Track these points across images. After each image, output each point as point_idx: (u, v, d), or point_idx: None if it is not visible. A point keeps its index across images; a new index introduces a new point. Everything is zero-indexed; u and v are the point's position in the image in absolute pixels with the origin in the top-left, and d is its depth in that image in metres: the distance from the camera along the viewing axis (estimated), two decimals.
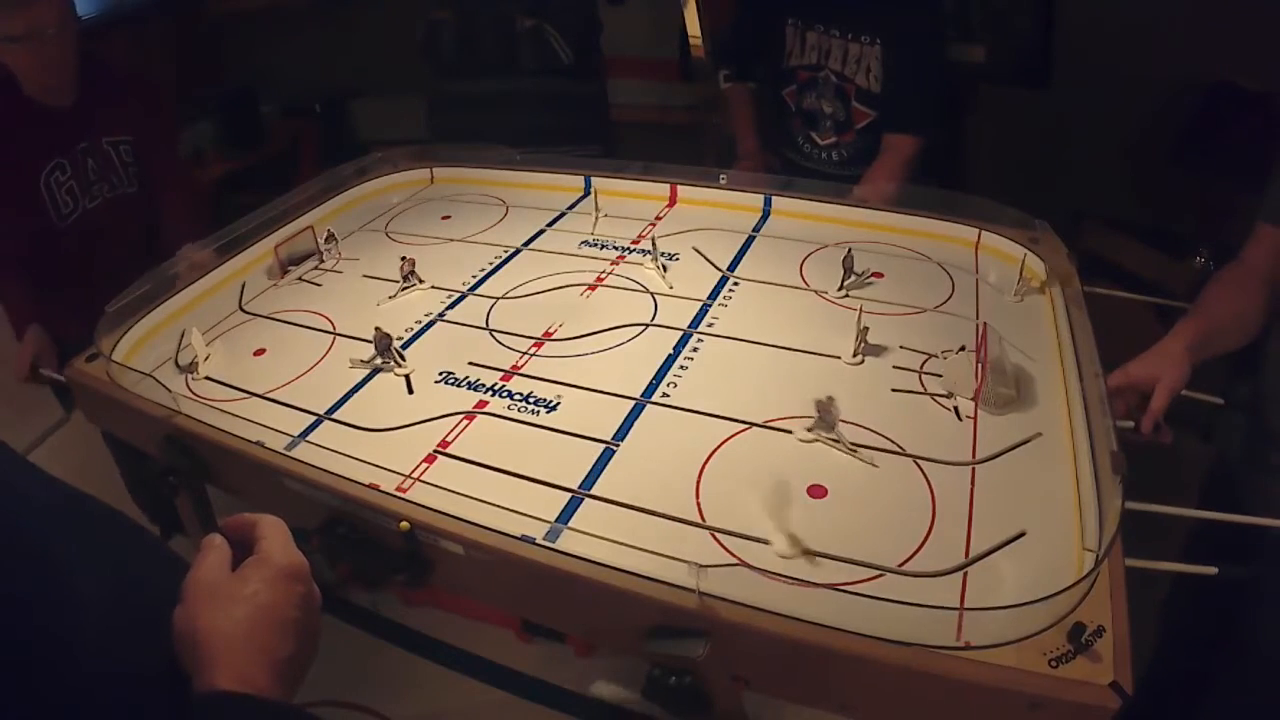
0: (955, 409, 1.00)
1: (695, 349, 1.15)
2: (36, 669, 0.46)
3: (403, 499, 0.90)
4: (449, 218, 1.60)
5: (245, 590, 0.56)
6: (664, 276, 1.32)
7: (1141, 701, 0.67)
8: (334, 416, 1.05)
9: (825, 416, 0.96)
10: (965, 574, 0.77)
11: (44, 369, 1.50)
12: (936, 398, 1.03)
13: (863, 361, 1.09)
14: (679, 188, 1.59)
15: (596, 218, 1.52)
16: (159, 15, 3.32)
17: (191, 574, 0.57)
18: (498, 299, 1.30)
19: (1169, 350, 1.02)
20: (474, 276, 1.37)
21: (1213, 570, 0.93)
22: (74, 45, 1.67)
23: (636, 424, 1.01)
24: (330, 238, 1.45)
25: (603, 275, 1.35)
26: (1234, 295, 1.09)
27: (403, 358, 1.14)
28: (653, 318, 1.22)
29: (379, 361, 1.14)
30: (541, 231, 1.51)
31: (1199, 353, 1.03)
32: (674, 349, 1.15)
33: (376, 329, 1.13)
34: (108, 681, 0.51)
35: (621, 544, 0.79)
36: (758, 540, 0.82)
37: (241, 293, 1.35)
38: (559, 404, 1.05)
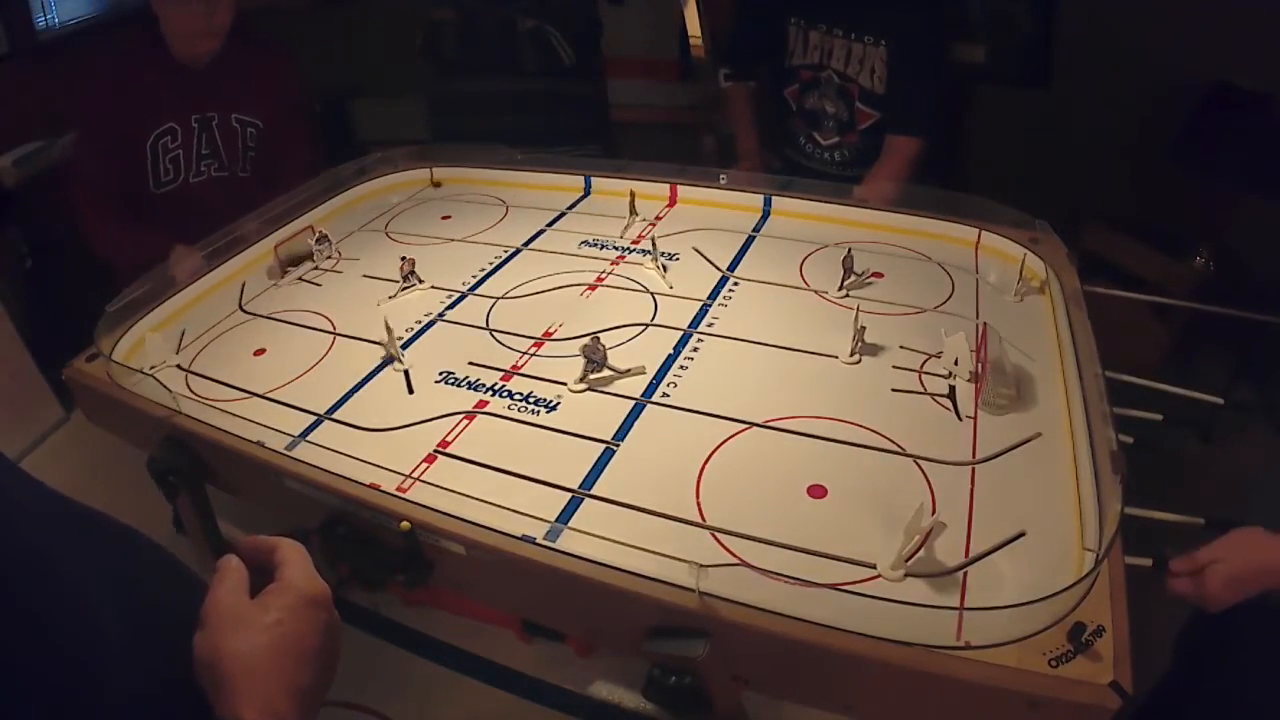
0: (954, 407, 1.00)
1: (695, 349, 1.15)
2: (52, 688, 0.46)
3: (403, 499, 0.90)
4: (449, 218, 1.60)
5: (268, 618, 0.55)
6: (664, 276, 1.32)
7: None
8: (334, 416, 1.05)
9: (592, 356, 1.03)
10: (965, 574, 0.78)
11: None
12: (936, 398, 1.03)
13: (860, 361, 1.09)
14: (679, 188, 1.59)
15: (630, 222, 1.49)
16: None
17: (210, 598, 0.56)
18: (498, 299, 1.30)
19: None
20: (474, 276, 1.37)
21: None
22: (231, 12, 1.61)
23: (636, 424, 1.01)
24: (322, 238, 1.43)
25: (603, 275, 1.35)
26: None
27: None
28: (653, 318, 1.22)
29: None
30: (541, 231, 1.51)
31: None
32: (674, 349, 1.15)
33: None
34: (124, 700, 0.50)
35: (621, 544, 0.79)
36: (758, 540, 0.82)
37: (241, 293, 1.35)
38: (559, 404, 1.05)
